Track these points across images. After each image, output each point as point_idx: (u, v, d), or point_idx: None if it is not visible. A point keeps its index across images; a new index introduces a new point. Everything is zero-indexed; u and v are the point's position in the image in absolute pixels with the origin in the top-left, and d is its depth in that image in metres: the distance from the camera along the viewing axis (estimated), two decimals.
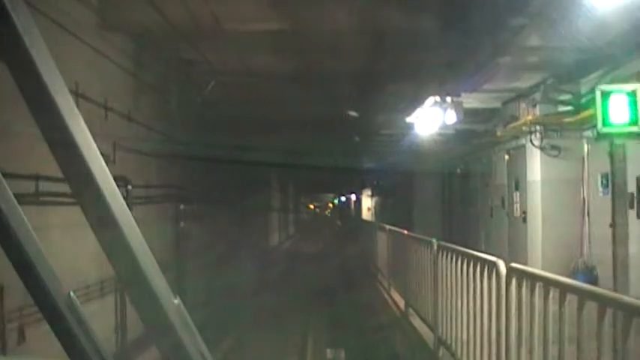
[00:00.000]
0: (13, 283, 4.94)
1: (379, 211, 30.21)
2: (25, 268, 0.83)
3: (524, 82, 7.97)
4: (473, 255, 4.19)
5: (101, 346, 0.89)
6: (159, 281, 0.87)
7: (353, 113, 11.72)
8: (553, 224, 9.08)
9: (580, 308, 2.33)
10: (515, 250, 10.01)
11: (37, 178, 5.59)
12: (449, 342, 4.82)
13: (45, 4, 5.94)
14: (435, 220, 15.53)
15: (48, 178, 5.69)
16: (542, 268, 7.84)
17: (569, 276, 7.39)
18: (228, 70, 10.08)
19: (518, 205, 10.14)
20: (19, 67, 0.77)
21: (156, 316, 0.87)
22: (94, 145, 0.82)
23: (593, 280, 8.16)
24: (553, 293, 2.62)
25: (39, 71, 0.77)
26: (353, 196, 46.73)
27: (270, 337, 10.15)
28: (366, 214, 35.30)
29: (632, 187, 7.39)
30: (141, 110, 9.20)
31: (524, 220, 9.74)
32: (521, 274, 3.10)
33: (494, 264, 3.55)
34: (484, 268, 3.79)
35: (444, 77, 6.91)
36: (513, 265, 3.31)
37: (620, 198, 7.67)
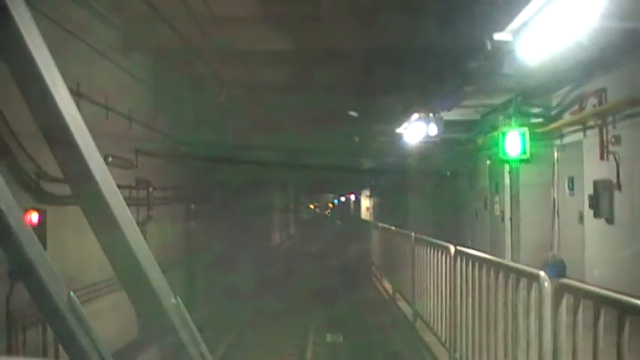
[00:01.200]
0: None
1: (377, 211, 30.99)
2: (25, 268, 0.81)
3: (498, 99, 9.09)
4: (435, 243, 5.36)
5: (101, 346, 0.89)
6: (159, 281, 0.88)
7: (353, 113, 12.58)
8: (527, 222, 10.12)
9: (481, 269, 3.46)
10: (496, 245, 11.04)
11: None
12: (422, 314, 5.99)
13: (80, 29, 6.99)
14: (428, 220, 16.48)
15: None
16: (517, 261, 8.91)
17: (540, 268, 8.43)
18: (237, 82, 10.95)
19: (497, 205, 11.19)
20: (19, 67, 0.77)
21: (156, 316, 0.88)
22: (94, 145, 0.83)
23: (562, 271, 9.15)
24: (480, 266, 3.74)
25: (39, 71, 0.77)
26: (352, 197, 47.57)
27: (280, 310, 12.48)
28: (365, 214, 36.12)
29: (590, 190, 8.43)
30: (158, 119, 10.09)
31: (503, 219, 10.78)
32: (463, 254, 4.24)
33: (447, 248, 4.70)
34: (442, 251, 4.96)
35: (425, 98, 8.04)
36: (459, 247, 4.45)
37: (515, 202, 10.06)
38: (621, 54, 7.05)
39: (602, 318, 2.07)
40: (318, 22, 7.94)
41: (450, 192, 15.14)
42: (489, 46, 4.27)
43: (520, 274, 3.04)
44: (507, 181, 10.34)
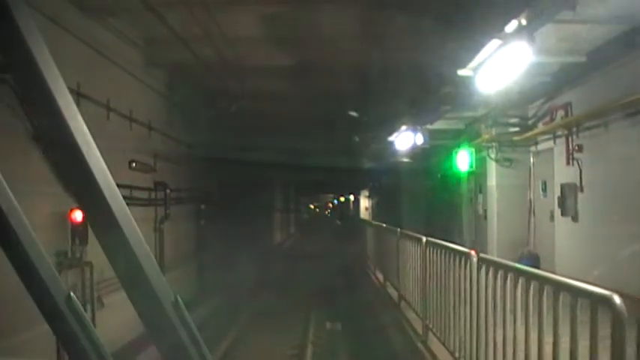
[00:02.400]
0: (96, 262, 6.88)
1: (375, 210, 31.94)
2: (25, 268, 0.82)
3: (478, 112, 10.21)
4: (413, 236, 6.53)
5: (101, 346, 0.90)
6: (158, 281, 0.89)
7: (353, 113, 13.51)
8: (506, 220, 11.16)
9: (441, 253, 4.61)
10: (480, 240, 12.06)
11: (130, 187, 7.79)
12: (405, 295, 7.16)
13: (109, 51, 8.00)
14: (421, 219, 17.53)
15: (137, 187, 8.10)
16: (497, 255, 10.00)
17: (516, 261, 9.46)
18: (244, 93, 11.86)
19: (480, 205, 12.27)
20: (19, 67, 0.78)
21: (155, 316, 0.90)
22: (94, 145, 0.83)
23: (537, 263, 10.12)
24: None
25: (39, 71, 0.77)
26: (352, 197, 48.52)
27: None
28: (364, 214, 37.08)
29: (559, 192, 9.49)
30: (173, 127, 10.96)
31: (485, 217, 11.84)
32: (430, 243, 5.40)
33: (420, 239, 5.87)
34: (417, 242, 6.11)
35: (411, 113, 9.19)
36: (428, 238, 5.60)
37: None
38: (582, 74, 8.17)
39: (499, 275, 3.28)
40: (319, 42, 8.93)
41: (440, 193, 16.13)
42: (456, 78, 5.39)
43: (461, 253, 4.21)
44: (491, 182, 11.34)
